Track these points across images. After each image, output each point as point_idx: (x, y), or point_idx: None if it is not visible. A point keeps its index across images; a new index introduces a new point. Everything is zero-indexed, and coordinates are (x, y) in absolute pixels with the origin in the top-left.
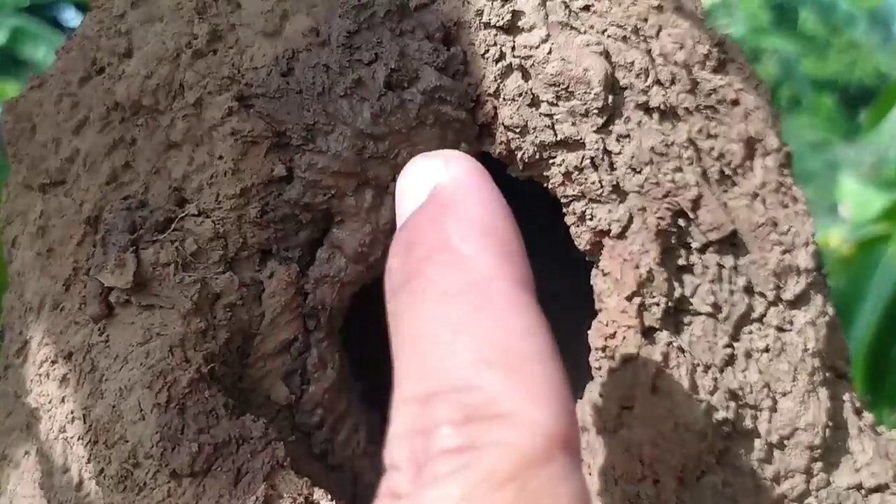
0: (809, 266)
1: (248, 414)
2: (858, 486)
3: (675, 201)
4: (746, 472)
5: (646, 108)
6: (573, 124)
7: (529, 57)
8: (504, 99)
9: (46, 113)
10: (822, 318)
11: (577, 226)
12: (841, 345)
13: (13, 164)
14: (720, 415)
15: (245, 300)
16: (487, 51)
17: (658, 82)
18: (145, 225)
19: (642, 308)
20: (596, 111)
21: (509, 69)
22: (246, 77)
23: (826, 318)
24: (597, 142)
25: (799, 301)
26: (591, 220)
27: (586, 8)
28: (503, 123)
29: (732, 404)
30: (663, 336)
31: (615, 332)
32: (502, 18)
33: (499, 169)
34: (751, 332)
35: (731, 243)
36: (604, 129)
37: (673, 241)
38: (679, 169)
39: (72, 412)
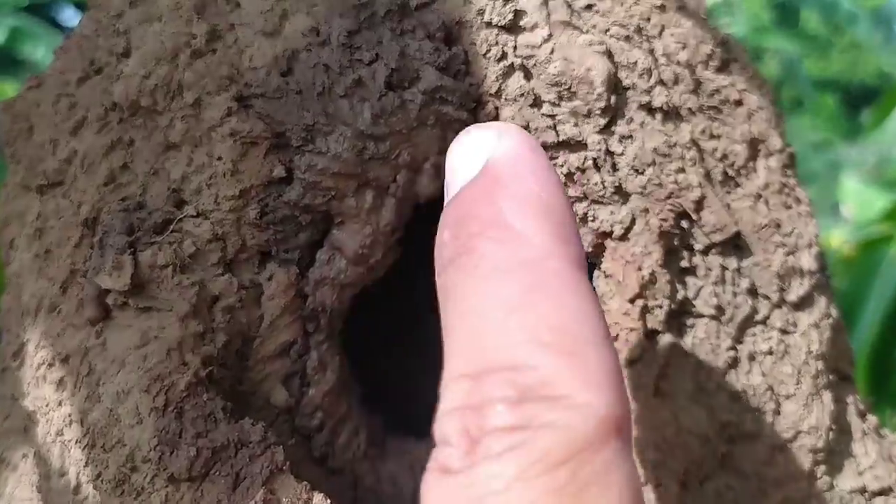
0: (813, 268)
1: (246, 418)
2: (862, 490)
3: (677, 203)
4: (750, 476)
5: (649, 109)
6: (575, 125)
7: (531, 57)
8: (506, 99)
9: (44, 113)
10: (825, 320)
11: (580, 227)
12: (845, 347)
13: (10, 165)
14: (723, 418)
15: (244, 302)
16: (489, 50)
17: (661, 82)
18: (143, 227)
19: (645, 310)
20: (598, 112)
21: (511, 69)
22: (245, 77)
23: (830, 321)
24: (599, 142)
25: (803, 303)
26: (593, 221)
27: (589, 7)
28: None
29: (736, 407)
30: (666, 338)
31: (617, 335)
32: (504, 18)
33: None
34: (754, 335)
35: (735, 245)
36: (606, 129)
37: (676, 243)
38: (682, 170)
39: (69, 415)
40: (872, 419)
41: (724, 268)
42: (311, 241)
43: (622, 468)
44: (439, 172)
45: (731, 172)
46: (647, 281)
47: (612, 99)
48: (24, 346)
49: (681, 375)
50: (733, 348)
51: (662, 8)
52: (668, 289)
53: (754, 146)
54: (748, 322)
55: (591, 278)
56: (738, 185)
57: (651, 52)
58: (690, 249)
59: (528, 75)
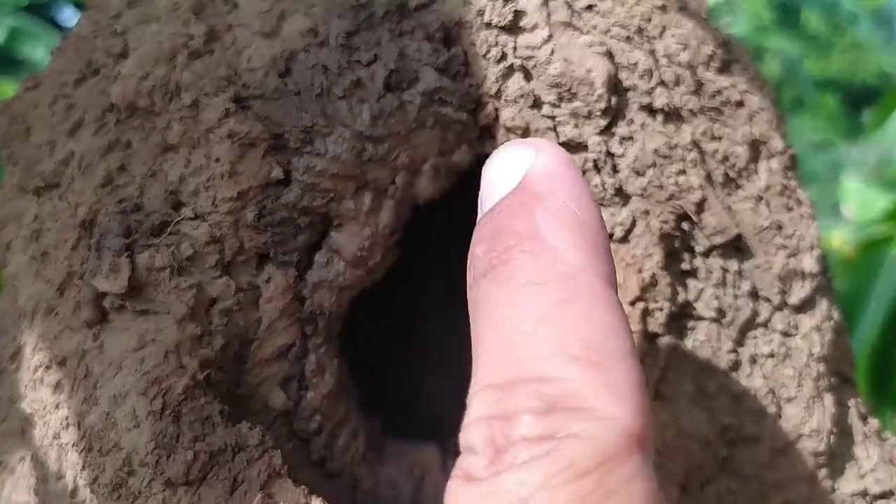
0: (814, 270)
1: (244, 421)
2: (863, 493)
3: (678, 204)
4: (750, 479)
5: (649, 110)
6: (576, 126)
7: (531, 58)
8: (505, 100)
9: (41, 115)
10: (827, 322)
11: None
12: (846, 350)
13: (8, 166)
14: (724, 421)
15: (242, 305)
16: (489, 51)
17: (662, 83)
18: (140, 229)
19: (645, 313)
20: (599, 113)
21: (511, 70)
22: (243, 78)
23: (831, 323)
24: (599, 144)
25: (804, 306)
26: None
27: (589, 8)
28: (504, 125)
29: (736, 410)
30: (667, 341)
31: None
32: (504, 18)
33: None
34: (755, 338)
35: (736, 247)
36: (607, 131)
37: (676, 245)
38: (683, 172)
39: (66, 418)
40: (874, 422)
41: (725, 270)
42: (309, 243)
43: (645, 480)
44: (438, 174)
45: (732, 174)
46: (648, 283)
47: (613, 100)
48: (21, 349)
49: (681, 378)
50: (734, 351)
51: (663, 8)
52: (668, 291)
53: (755, 148)
54: (749, 325)
55: None
56: (739, 186)
57: (652, 52)
58: (691, 252)
59: (528, 76)
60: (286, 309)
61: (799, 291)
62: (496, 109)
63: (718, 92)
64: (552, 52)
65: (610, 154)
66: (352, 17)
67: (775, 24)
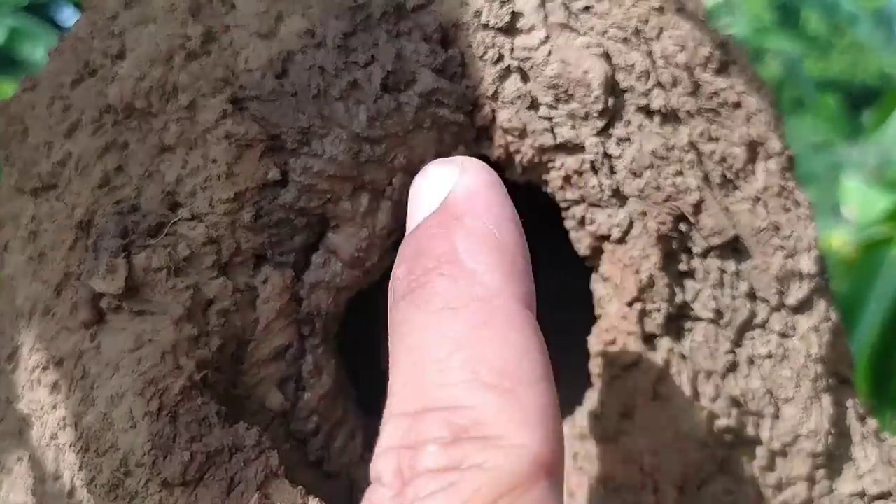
0: (812, 271)
1: (241, 422)
2: (861, 494)
3: (676, 205)
4: (748, 481)
5: (647, 111)
6: (573, 127)
7: (528, 59)
8: (503, 101)
9: (38, 115)
10: (825, 323)
11: (577, 230)
12: (844, 350)
13: (5, 167)
14: (722, 422)
15: (239, 306)
16: (486, 52)
17: (659, 85)
18: (137, 229)
19: (643, 314)
20: (596, 114)
21: (508, 71)
22: (240, 79)
23: (829, 324)
24: (597, 145)
25: (802, 307)
26: (590, 224)
27: (586, 9)
28: (502, 126)
29: (734, 411)
30: (664, 342)
31: (615, 339)
32: (501, 20)
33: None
34: (753, 339)
35: (733, 248)
36: (604, 132)
37: (674, 246)
38: (680, 173)
39: (63, 419)
40: (872, 423)
41: (722, 271)
42: (306, 244)
43: None
44: None
45: (729, 175)
46: (646, 284)
47: (610, 101)
48: (18, 350)
49: (679, 379)
50: (732, 352)
51: (661, 10)
52: (666, 292)
53: (753, 149)
54: (747, 326)
55: (588, 281)
56: (736, 187)
57: (649, 54)
58: (689, 253)
59: (525, 77)
60: (283, 310)
61: (796, 292)
62: (493, 111)
63: (716, 93)
64: (549, 54)
65: (607, 155)
66: (349, 18)
67: (775, 25)
